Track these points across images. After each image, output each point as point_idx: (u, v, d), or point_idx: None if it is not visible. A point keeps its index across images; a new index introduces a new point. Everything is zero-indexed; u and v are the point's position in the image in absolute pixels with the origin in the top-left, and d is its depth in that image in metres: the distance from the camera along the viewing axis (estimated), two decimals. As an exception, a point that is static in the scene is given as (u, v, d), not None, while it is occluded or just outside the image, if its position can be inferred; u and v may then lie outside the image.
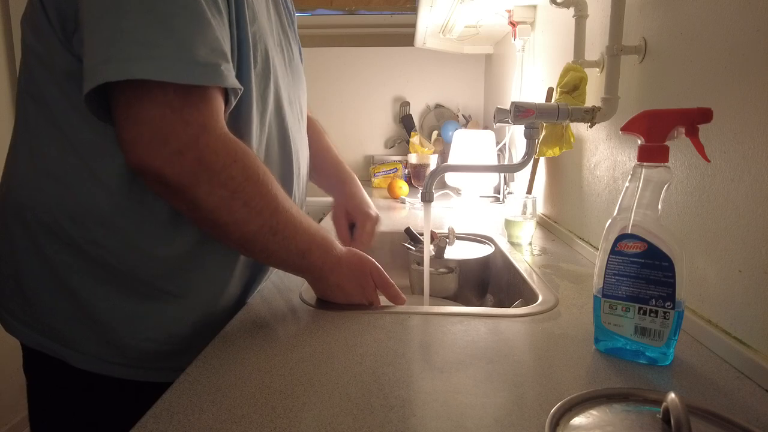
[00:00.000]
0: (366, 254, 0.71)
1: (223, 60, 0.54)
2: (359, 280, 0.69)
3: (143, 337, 0.63)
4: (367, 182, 2.24)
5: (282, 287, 0.77)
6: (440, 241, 0.97)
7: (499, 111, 0.89)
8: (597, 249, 0.59)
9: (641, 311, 0.52)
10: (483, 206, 1.56)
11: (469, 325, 0.63)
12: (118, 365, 0.63)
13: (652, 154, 0.51)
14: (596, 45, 0.94)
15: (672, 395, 0.37)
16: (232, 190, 0.55)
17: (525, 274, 0.85)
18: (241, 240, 0.59)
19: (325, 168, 0.97)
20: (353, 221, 0.93)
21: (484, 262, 0.99)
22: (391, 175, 2.05)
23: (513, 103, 0.84)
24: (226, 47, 0.56)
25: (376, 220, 0.92)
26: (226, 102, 0.58)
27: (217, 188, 0.54)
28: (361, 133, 2.38)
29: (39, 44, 0.60)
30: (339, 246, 0.68)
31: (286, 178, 0.75)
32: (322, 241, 0.66)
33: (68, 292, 0.61)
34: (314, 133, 0.96)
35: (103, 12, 0.50)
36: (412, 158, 1.96)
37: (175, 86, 0.51)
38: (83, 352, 0.62)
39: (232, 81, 0.55)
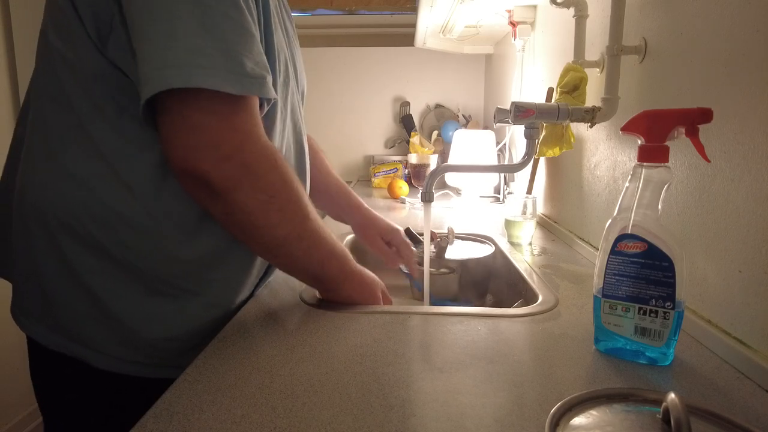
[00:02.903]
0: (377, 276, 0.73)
1: (267, 72, 0.57)
2: (372, 294, 0.71)
3: (163, 336, 0.63)
4: (367, 182, 2.24)
5: (282, 287, 0.77)
6: (441, 241, 0.97)
7: (499, 111, 0.89)
8: (597, 249, 0.59)
9: (641, 311, 0.52)
10: (483, 206, 1.56)
11: (469, 325, 0.63)
12: (138, 364, 0.63)
13: (652, 154, 0.51)
14: (596, 45, 0.94)
15: (672, 395, 0.37)
16: (271, 195, 0.57)
17: (525, 274, 0.85)
18: (270, 245, 0.61)
19: (333, 192, 0.99)
20: (388, 240, 0.96)
21: (484, 262, 0.99)
22: (391, 175, 2.05)
23: (513, 103, 0.85)
24: (265, 59, 0.58)
25: (401, 233, 0.97)
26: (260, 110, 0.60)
27: (258, 192, 0.57)
28: (361, 133, 2.38)
29: (66, 46, 0.59)
30: (354, 261, 0.70)
31: (301, 180, 0.77)
32: (341, 253, 0.68)
33: (88, 293, 0.61)
34: (313, 153, 0.97)
35: (154, 17, 0.51)
36: (412, 158, 1.96)
37: (224, 95, 0.53)
38: (103, 352, 0.62)
39: (273, 92, 0.58)
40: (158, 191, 0.60)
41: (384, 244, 0.96)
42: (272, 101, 0.60)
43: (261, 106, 0.60)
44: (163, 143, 0.55)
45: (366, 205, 0.99)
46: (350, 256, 0.70)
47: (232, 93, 0.53)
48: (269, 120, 0.66)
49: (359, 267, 0.71)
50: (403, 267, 0.97)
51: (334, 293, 0.69)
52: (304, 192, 0.62)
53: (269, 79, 0.57)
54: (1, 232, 0.68)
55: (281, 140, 0.71)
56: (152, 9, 0.52)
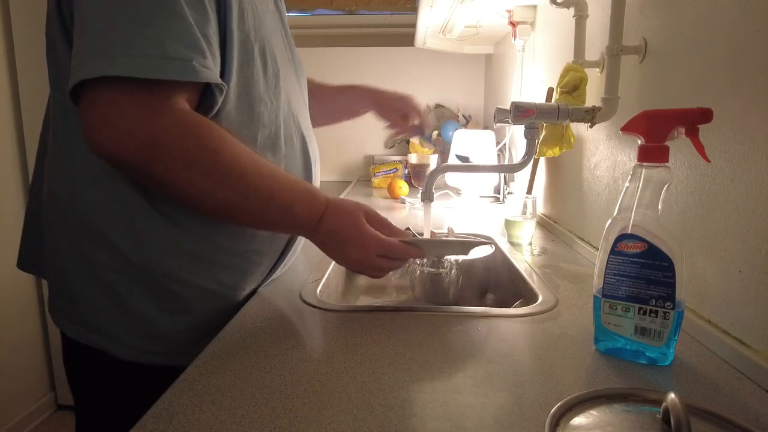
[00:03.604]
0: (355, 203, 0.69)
1: (197, 55, 0.55)
2: (358, 233, 0.65)
3: (178, 328, 0.66)
4: (367, 182, 2.24)
5: (282, 287, 0.77)
6: (441, 241, 0.96)
7: (499, 111, 0.89)
8: (597, 249, 0.59)
9: (641, 311, 0.52)
10: (483, 206, 1.56)
11: (469, 325, 0.63)
12: (156, 354, 0.66)
13: (652, 154, 0.51)
14: (596, 45, 0.94)
15: (672, 395, 0.37)
16: (188, 164, 0.56)
17: (525, 274, 0.85)
18: (217, 210, 0.61)
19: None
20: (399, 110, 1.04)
21: (484, 262, 0.99)
22: (391, 175, 2.05)
23: (513, 103, 0.85)
24: (206, 44, 0.57)
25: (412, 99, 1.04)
26: (211, 96, 0.60)
27: (173, 163, 0.56)
28: (361, 133, 2.38)
29: (64, 50, 0.62)
30: (323, 194, 0.67)
31: (307, 168, 0.79)
32: (305, 194, 0.65)
33: (106, 287, 0.64)
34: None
35: (85, 14, 0.54)
36: (412, 158, 1.96)
37: (129, 78, 0.53)
38: (123, 343, 0.65)
39: (205, 76, 0.56)
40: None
41: (395, 113, 1.04)
42: (222, 87, 0.60)
43: (213, 91, 0.59)
44: (82, 132, 0.55)
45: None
46: (318, 192, 0.66)
47: (135, 76, 0.52)
48: (251, 111, 0.66)
49: (333, 199, 0.67)
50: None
51: (322, 239, 0.66)
52: (238, 150, 0.60)
53: (201, 62, 0.56)
54: (35, 234, 0.72)
55: (276, 132, 0.71)
56: (81, 4, 0.54)
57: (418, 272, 0.92)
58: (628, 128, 0.53)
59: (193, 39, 0.55)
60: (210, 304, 0.68)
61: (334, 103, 1.07)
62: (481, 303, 1.02)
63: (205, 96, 0.60)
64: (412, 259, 0.94)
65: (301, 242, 0.86)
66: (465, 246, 0.75)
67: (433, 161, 1.93)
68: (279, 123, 0.71)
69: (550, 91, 1.15)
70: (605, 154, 0.92)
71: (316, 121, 1.03)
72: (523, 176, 1.45)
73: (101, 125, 0.53)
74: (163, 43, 0.53)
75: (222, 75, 0.61)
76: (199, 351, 0.56)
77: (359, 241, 0.65)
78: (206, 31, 0.57)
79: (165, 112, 0.55)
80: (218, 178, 0.58)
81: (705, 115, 0.50)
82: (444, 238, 0.87)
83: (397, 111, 1.04)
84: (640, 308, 0.52)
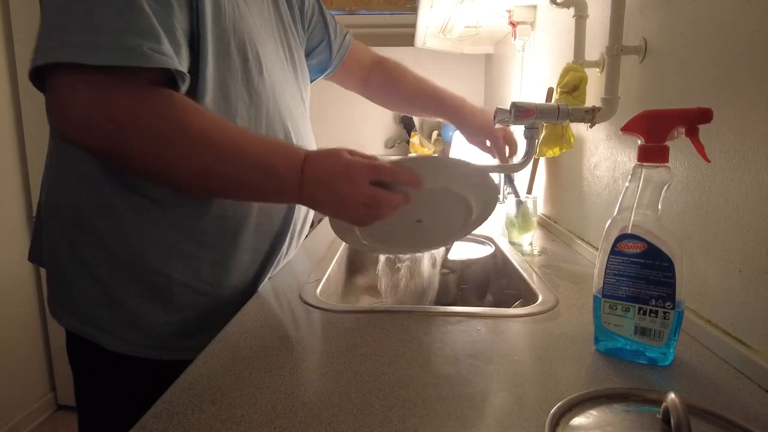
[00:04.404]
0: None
1: (150, 42, 0.54)
2: (346, 172, 0.61)
3: (163, 322, 0.68)
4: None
5: (282, 287, 0.77)
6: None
7: (499, 111, 0.89)
8: (597, 249, 0.59)
9: (641, 311, 0.52)
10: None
11: (469, 325, 0.63)
12: (145, 347, 0.68)
13: (652, 154, 0.51)
14: (596, 45, 0.94)
15: (672, 395, 0.37)
16: (151, 136, 0.55)
17: (525, 274, 0.85)
18: (194, 181, 0.59)
19: (426, 103, 1.11)
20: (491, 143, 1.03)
21: (484, 263, 0.99)
22: (391, 175, 2.05)
23: (513, 103, 0.85)
24: (166, 32, 0.56)
25: (503, 133, 1.02)
26: (175, 84, 0.58)
27: (133, 139, 0.55)
28: (361, 133, 2.38)
29: None
30: (301, 147, 0.65)
31: None
32: (280, 147, 0.64)
33: (98, 280, 0.66)
34: (395, 74, 1.15)
35: (46, 7, 0.55)
36: (412, 158, 1.96)
37: (85, 66, 0.52)
38: (115, 336, 0.67)
39: (157, 60, 0.54)
40: (145, 185, 0.65)
41: (488, 148, 1.05)
42: (185, 75, 0.58)
43: (176, 80, 0.58)
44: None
45: (459, 103, 1.04)
46: (294, 144, 0.65)
47: (86, 63, 0.52)
48: (227, 105, 0.66)
49: (312, 150, 0.63)
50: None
51: (311, 191, 0.61)
52: (201, 118, 0.58)
53: (156, 47, 0.55)
54: (41, 229, 0.74)
55: (254, 129, 0.70)
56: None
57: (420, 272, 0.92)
58: (628, 128, 0.53)
59: (147, 26, 0.54)
60: (192, 299, 0.69)
61: (415, 97, 1.10)
62: (481, 303, 1.02)
63: (172, 86, 0.59)
64: (415, 263, 0.94)
65: (296, 242, 0.85)
66: (470, 175, 0.65)
67: (433, 161, 1.92)
68: (260, 120, 0.71)
69: (550, 91, 1.15)
70: (605, 154, 0.92)
71: (389, 104, 1.15)
72: (523, 176, 1.45)
73: (59, 110, 0.54)
74: (114, 30, 0.53)
75: (197, 68, 0.61)
76: (188, 347, 0.56)
77: (348, 174, 0.60)
78: (169, 22, 0.57)
79: (116, 90, 0.54)
80: (186, 147, 0.57)
81: (705, 115, 0.50)
82: (444, 158, 0.71)
83: (481, 140, 1.04)
84: (640, 308, 0.52)
